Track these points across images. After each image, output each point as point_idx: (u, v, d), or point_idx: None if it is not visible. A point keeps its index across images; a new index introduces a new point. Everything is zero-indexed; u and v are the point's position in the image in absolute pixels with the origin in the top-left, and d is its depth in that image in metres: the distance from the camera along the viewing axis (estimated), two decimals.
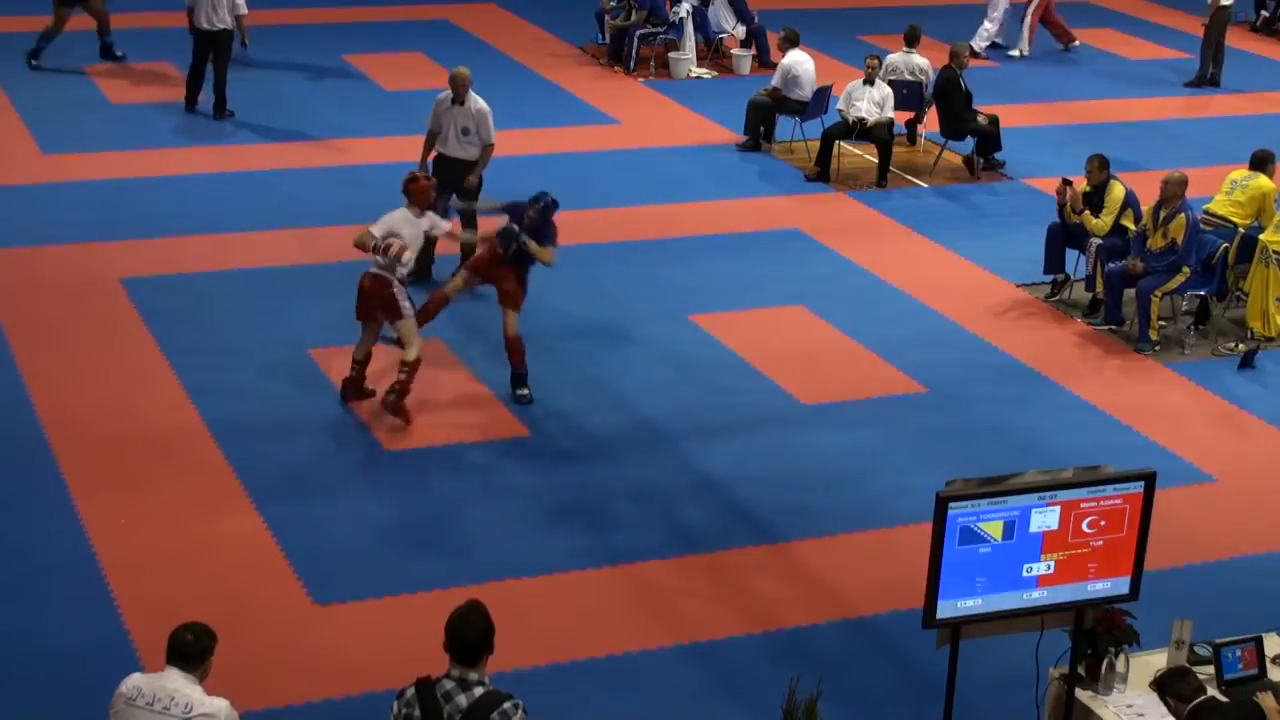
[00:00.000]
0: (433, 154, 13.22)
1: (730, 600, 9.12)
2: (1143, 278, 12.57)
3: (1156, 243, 12.68)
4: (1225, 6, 20.39)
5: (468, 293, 11.80)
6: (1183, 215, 12.58)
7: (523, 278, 11.31)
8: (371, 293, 10.78)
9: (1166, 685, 6.74)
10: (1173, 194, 12.60)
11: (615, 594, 9.13)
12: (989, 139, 16.59)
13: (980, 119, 16.45)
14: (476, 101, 13.00)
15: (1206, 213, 13.53)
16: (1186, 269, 12.61)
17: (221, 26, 16.80)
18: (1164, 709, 6.91)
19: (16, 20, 18.57)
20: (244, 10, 17.10)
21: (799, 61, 17.04)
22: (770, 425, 11.20)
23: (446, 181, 12.72)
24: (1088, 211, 13.14)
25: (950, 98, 16.42)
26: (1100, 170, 13.20)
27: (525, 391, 11.31)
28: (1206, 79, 20.68)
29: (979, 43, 21.48)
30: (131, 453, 10.34)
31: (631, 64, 19.78)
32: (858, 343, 12.52)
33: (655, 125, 17.92)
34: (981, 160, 16.67)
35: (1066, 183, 13.28)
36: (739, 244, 14.44)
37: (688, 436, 10.94)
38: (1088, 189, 13.24)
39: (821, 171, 16.30)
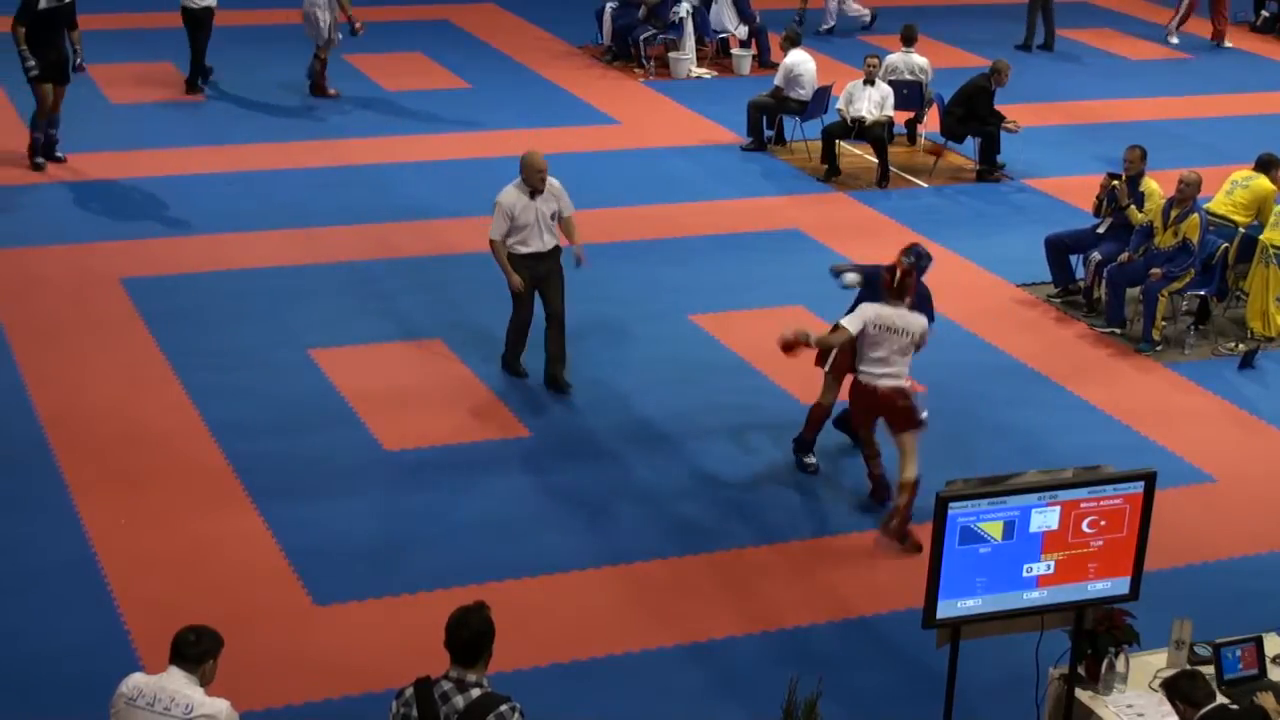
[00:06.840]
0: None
1: (730, 600, 9.11)
2: (1148, 274, 12.56)
3: (1166, 240, 12.68)
4: None
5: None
6: (1195, 215, 12.60)
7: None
8: (885, 401, 9.77)
9: (1175, 687, 6.59)
10: (1189, 194, 12.63)
11: (615, 594, 9.13)
12: (992, 142, 16.54)
13: (1009, 124, 16.36)
14: (553, 183, 11.16)
15: (1208, 212, 13.52)
16: (1192, 269, 12.62)
17: (207, 4, 17.30)
18: (1165, 709, 6.88)
19: None
20: None
21: (801, 61, 17.04)
22: (770, 425, 11.19)
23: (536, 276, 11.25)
24: (1134, 205, 13.15)
25: (976, 102, 16.39)
26: (1141, 161, 13.24)
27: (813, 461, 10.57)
28: (1033, 45, 21.64)
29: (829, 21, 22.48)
30: (131, 453, 10.33)
31: (649, 63, 19.73)
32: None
33: (655, 125, 17.91)
34: (982, 166, 16.65)
35: (1115, 176, 13.31)
36: (739, 244, 14.43)
37: (688, 436, 10.94)
38: (1124, 179, 13.27)
39: (831, 168, 16.29)
